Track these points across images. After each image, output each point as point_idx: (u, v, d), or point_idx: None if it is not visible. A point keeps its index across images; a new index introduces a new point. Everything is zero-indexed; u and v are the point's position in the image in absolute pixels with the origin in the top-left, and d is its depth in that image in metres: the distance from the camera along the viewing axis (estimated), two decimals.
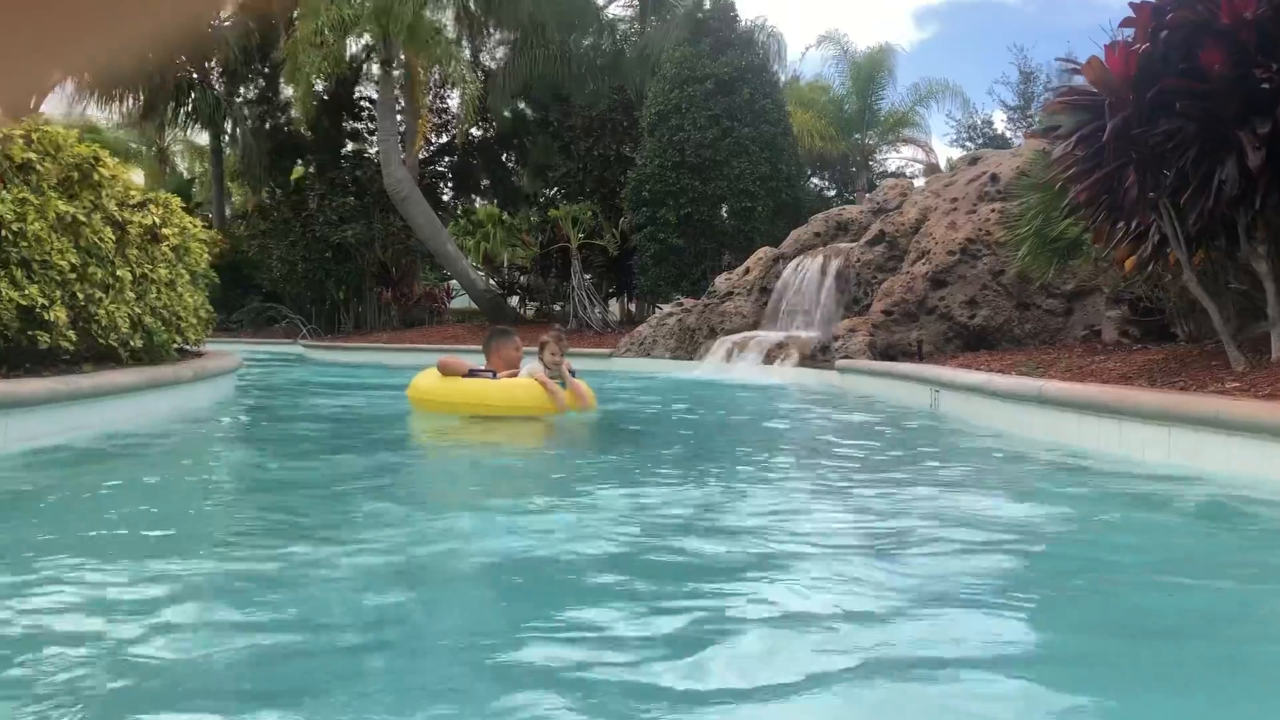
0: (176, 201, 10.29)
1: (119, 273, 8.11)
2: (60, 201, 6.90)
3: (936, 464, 6.23)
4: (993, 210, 13.30)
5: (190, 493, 4.96)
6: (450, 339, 22.74)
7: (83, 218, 7.34)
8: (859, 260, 14.83)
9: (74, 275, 7.25)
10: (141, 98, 27.99)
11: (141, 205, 8.69)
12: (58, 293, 6.96)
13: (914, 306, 13.30)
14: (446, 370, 8.01)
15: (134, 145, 44.17)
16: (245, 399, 10.38)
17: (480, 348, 8.72)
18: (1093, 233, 6.98)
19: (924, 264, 13.44)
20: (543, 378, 7.75)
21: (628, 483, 5.22)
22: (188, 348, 12.24)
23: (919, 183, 18.96)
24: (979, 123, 36.53)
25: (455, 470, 5.99)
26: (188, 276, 10.39)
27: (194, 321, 10.54)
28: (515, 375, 7.96)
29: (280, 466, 5.87)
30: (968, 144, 35.62)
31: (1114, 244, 6.55)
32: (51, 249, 6.73)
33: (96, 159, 7.58)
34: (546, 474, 5.88)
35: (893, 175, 32.46)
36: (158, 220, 8.92)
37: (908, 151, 39.87)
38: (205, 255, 11.74)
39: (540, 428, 7.62)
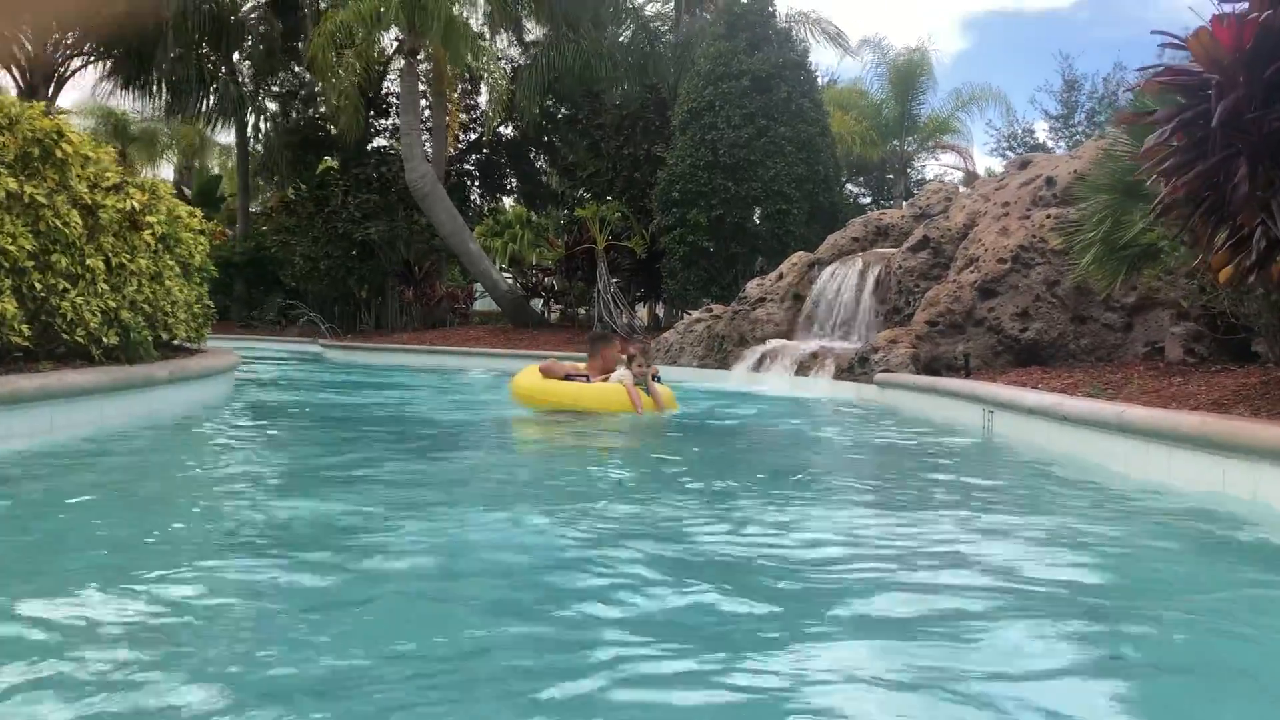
0: (165, 187, 9.55)
1: (90, 262, 7.38)
2: (10, 179, 6.14)
3: (996, 500, 5.34)
4: (1048, 216, 12.34)
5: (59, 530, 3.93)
6: (472, 341, 22.00)
7: (43, 199, 6.59)
8: (901, 267, 13.91)
9: (30, 263, 6.51)
10: (164, 86, 27.36)
11: (118, 188, 7.92)
12: (7, 282, 6.20)
13: (960, 317, 12.36)
14: (548, 374, 9.31)
15: (166, 137, 43.93)
16: (234, 404, 9.57)
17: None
18: (1188, 236, 6.03)
19: (972, 272, 12.50)
20: (629, 384, 9.08)
21: (655, 512, 4.40)
22: (186, 345, 11.56)
23: (962, 190, 18.00)
24: (1020, 132, 35.35)
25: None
26: (178, 269, 9.65)
27: (184, 317, 9.80)
28: (607, 378, 9.24)
29: (203, 503, 4.69)
30: (1008, 153, 34.49)
31: (1214, 250, 5.61)
32: None
33: (60, 134, 6.81)
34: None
35: (942, 178, 31.42)
36: (138, 205, 8.16)
37: (947, 159, 38.80)
38: (202, 246, 11.01)
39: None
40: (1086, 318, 12.15)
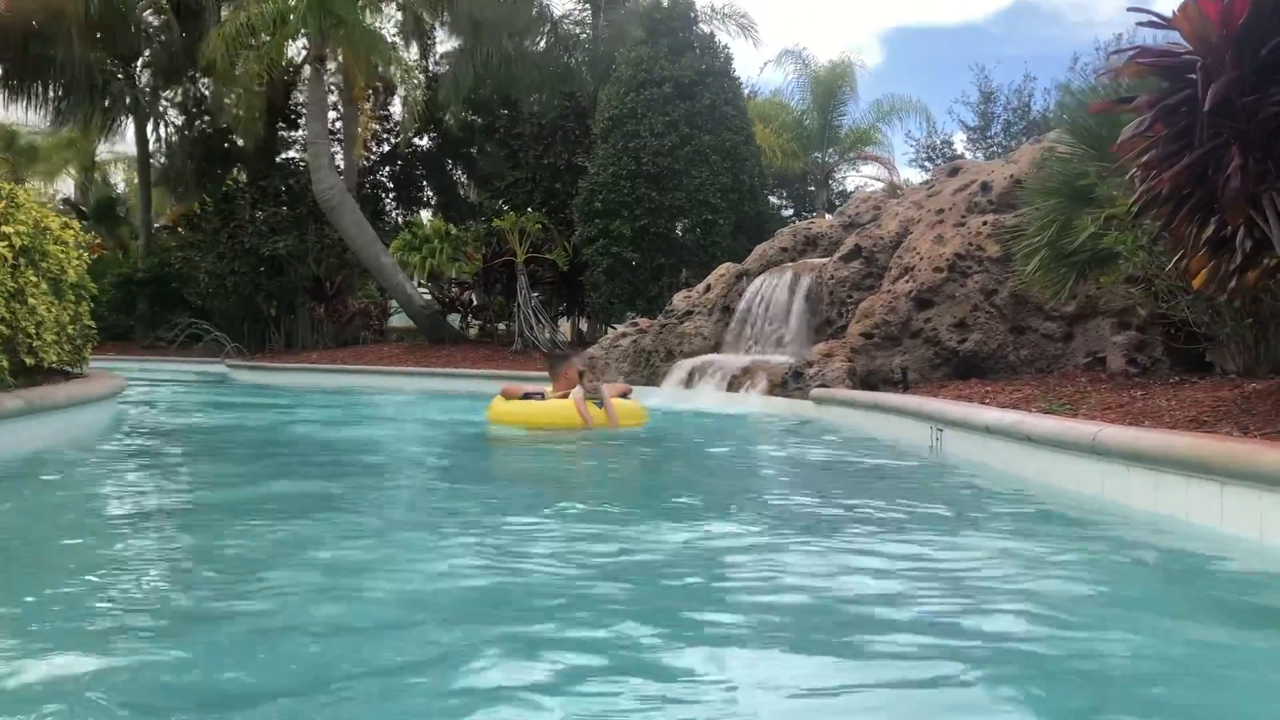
0: (24, 193, 8.55)
1: None
2: None
3: (957, 530, 4.70)
4: (984, 223, 11.90)
5: None
6: (385, 359, 21.00)
7: None
8: (833, 278, 13.38)
9: None
10: (54, 93, 25.82)
11: None
12: None
13: (897, 329, 11.84)
14: (508, 395, 10.06)
15: (62, 154, 41.96)
16: (108, 436, 8.54)
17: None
18: (1169, 237, 5.49)
19: (907, 281, 12.00)
20: (578, 399, 9.45)
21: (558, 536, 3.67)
22: (67, 369, 10.50)
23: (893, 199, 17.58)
24: (939, 143, 35.35)
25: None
26: (44, 285, 8.65)
27: (53, 339, 8.79)
28: (566, 395, 9.63)
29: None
30: (926, 164, 34.52)
31: (1196, 251, 5.06)
32: None
33: None
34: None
35: (864, 189, 31.18)
36: None
37: (869, 170, 38.71)
38: (77, 261, 9.99)
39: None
40: (1025, 328, 11.72)
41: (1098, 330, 11.35)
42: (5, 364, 7.24)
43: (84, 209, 38.83)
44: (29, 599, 3.22)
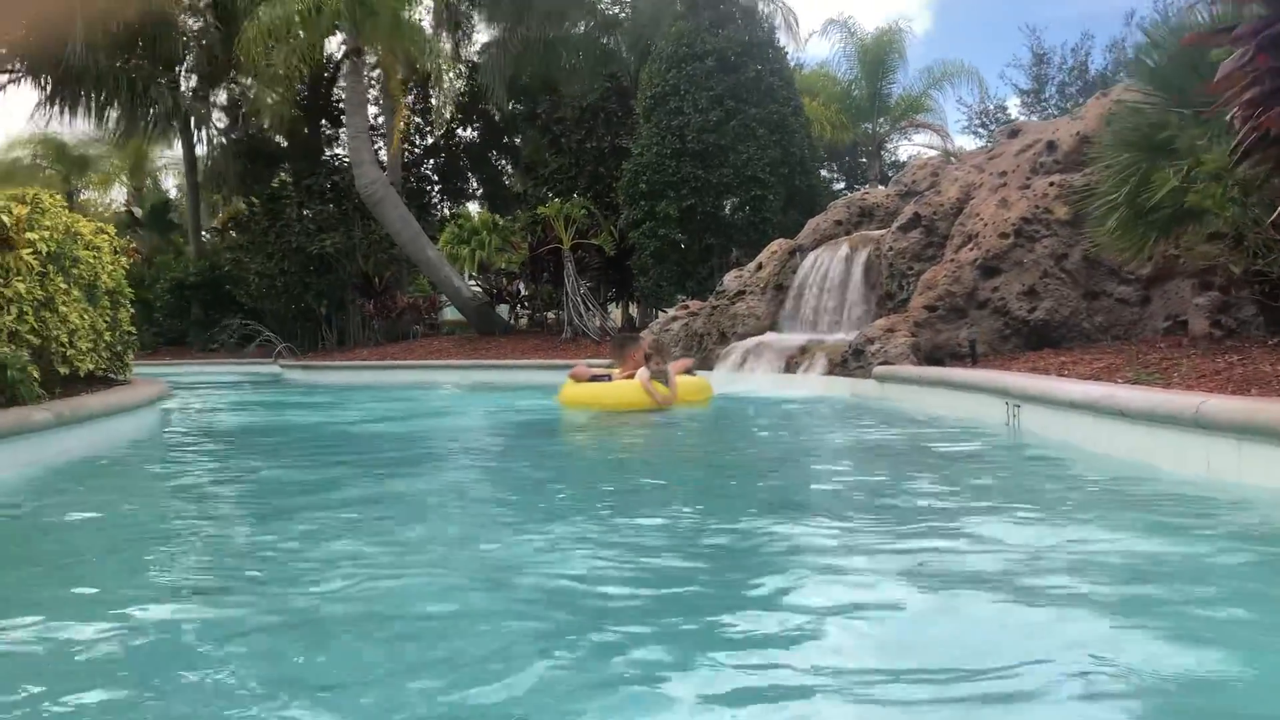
0: (53, 198, 8.29)
1: None
2: None
3: (1053, 517, 4.20)
4: (1051, 184, 11.26)
5: None
6: (436, 354, 20.74)
7: None
8: (891, 249, 12.79)
9: None
10: (96, 101, 25.86)
11: None
12: None
13: (962, 300, 11.26)
14: (576, 377, 10.46)
15: (115, 163, 42.41)
16: (140, 447, 8.22)
17: None
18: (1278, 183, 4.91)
19: (971, 249, 11.40)
20: (644, 379, 9.76)
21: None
22: (110, 376, 10.31)
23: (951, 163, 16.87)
24: (992, 108, 34.30)
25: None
26: (77, 292, 8.41)
27: (87, 347, 8.56)
28: (631, 376, 9.93)
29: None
30: (979, 131, 33.53)
31: None
32: None
33: None
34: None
35: (918, 158, 30.29)
36: (8, 221, 6.93)
37: (921, 139, 37.75)
38: (113, 267, 9.76)
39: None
40: (1099, 293, 11.08)
41: (1177, 292, 10.69)
42: (35, 374, 6.98)
43: (138, 215, 39.24)
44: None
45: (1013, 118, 33.30)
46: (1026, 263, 11.08)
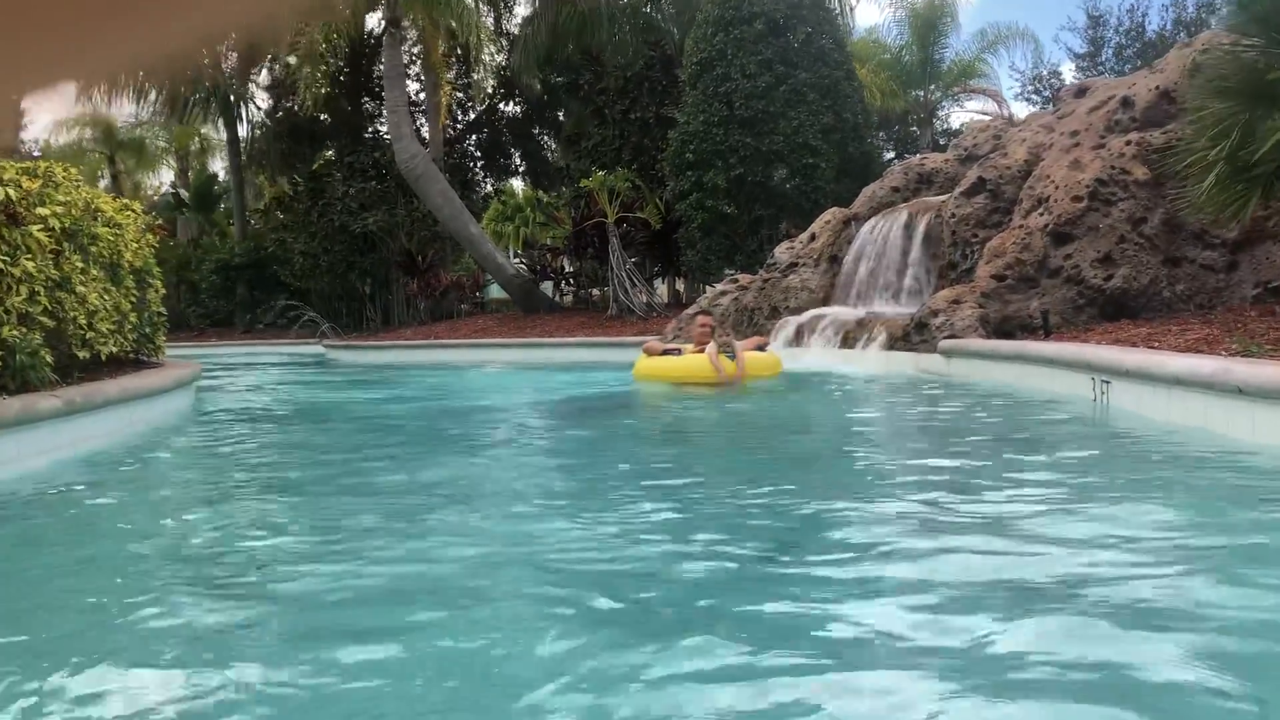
0: (67, 171, 7.87)
1: None
2: None
3: (1178, 516, 3.59)
4: (1128, 143, 10.48)
5: None
6: (479, 332, 20.31)
7: None
8: (954, 216, 12.07)
9: None
10: (137, 80, 25.68)
11: None
12: None
13: (1032, 269, 10.55)
14: (649, 352, 10.96)
15: (161, 144, 42.52)
16: (157, 441, 7.74)
17: None
18: None
19: (1042, 214, 10.68)
20: (712, 353, 9.96)
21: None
22: (143, 358, 9.96)
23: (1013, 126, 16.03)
24: (1045, 74, 33.12)
25: None
26: (97, 271, 7.99)
27: (109, 329, 8.15)
28: (702, 349, 10.23)
29: None
30: (1033, 97, 32.39)
31: None
32: None
33: None
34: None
35: (980, 118, 29.24)
36: (14, 195, 6.49)
37: (974, 105, 36.63)
38: (138, 245, 9.36)
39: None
40: (1180, 259, 10.33)
41: (1267, 256, 9.92)
42: (47, 359, 6.56)
43: (184, 197, 39.25)
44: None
45: (1066, 84, 32.11)
46: (1102, 228, 10.34)
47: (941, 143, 30.46)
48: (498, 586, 3.12)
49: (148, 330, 9.82)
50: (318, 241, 27.23)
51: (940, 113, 35.06)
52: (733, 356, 10.02)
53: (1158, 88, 10.51)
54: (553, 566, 3.29)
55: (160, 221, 11.80)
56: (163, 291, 10.50)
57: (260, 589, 3.24)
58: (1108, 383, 6.55)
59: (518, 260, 23.68)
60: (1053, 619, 2.52)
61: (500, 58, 28.54)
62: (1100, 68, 31.42)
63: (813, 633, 2.57)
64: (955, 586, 2.82)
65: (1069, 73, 32.90)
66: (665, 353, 10.78)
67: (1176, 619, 2.45)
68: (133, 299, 9.04)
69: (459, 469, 5.66)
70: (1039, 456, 5.11)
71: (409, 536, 3.80)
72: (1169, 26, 29.71)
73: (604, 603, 2.79)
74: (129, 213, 9.38)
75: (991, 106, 33.92)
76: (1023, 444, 5.71)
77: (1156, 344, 7.44)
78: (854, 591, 2.89)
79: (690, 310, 15.51)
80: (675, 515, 4.00)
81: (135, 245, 9.20)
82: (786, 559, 3.29)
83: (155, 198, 43.14)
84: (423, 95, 28.42)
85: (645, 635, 2.52)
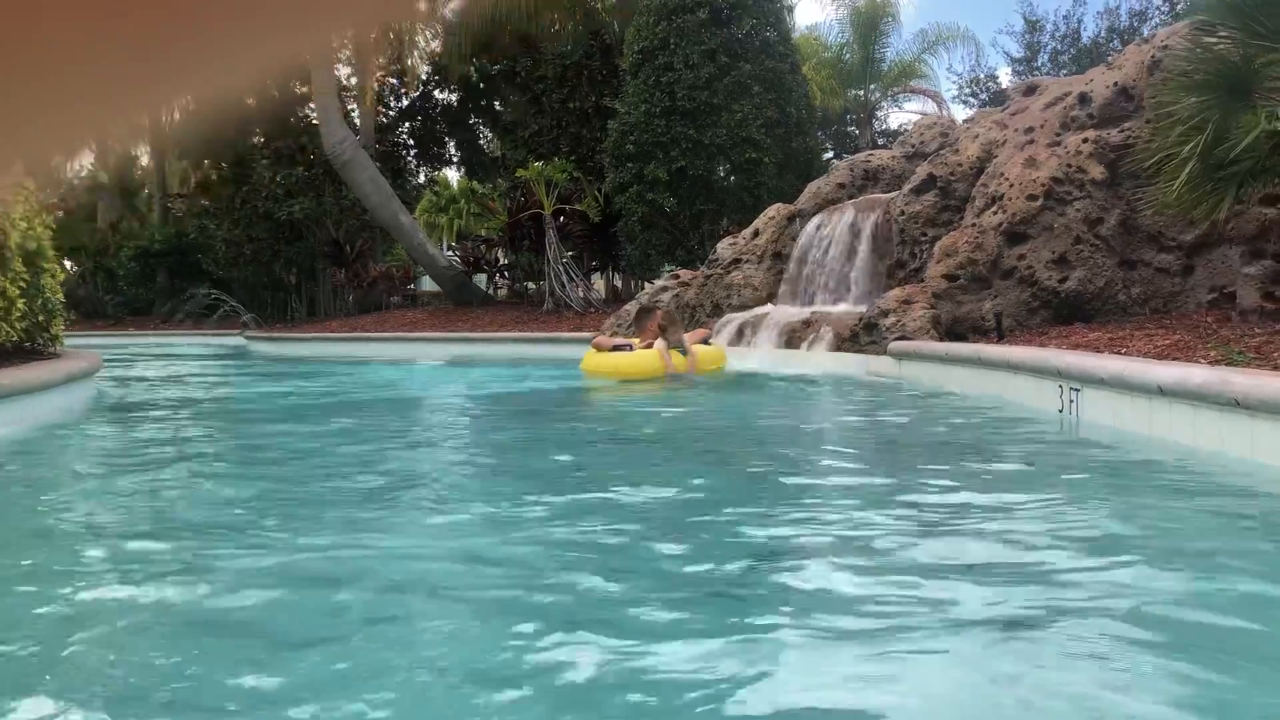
0: None
1: None
2: None
3: (1173, 554, 3.13)
4: (1085, 140, 10.15)
5: None
6: (408, 325, 19.55)
7: None
8: (903, 213, 11.68)
9: None
10: None
11: None
12: None
13: (985, 269, 10.18)
14: (598, 347, 10.85)
15: None
16: (41, 438, 6.98)
17: None
18: None
19: (995, 212, 10.31)
20: (662, 349, 10.15)
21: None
22: (41, 347, 9.15)
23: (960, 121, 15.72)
24: (983, 77, 33.20)
25: None
26: None
27: None
28: (651, 345, 10.34)
29: None
30: (971, 100, 32.44)
31: None
32: None
33: None
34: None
35: (927, 115, 29.10)
36: None
37: (913, 106, 36.61)
38: (27, 227, 8.53)
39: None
40: (1136, 261, 10.03)
41: (1224, 260, 9.64)
42: None
43: (103, 181, 37.70)
44: None
45: (1003, 87, 32.18)
46: (1057, 228, 10.00)
47: (880, 143, 30.31)
48: (407, 584, 2.99)
49: (40, 319, 9.01)
50: (241, 229, 26.22)
51: (879, 113, 34.99)
52: (685, 352, 10.21)
53: (1116, 84, 10.19)
54: (473, 564, 3.20)
55: (57, 200, 10.91)
56: (61, 276, 9.68)
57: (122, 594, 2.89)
58: (1078, 390, 6.13)
59: (451, 253, 22.93)
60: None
61: (435, 44, 27.71)
62: (1036, 72, 31.51)
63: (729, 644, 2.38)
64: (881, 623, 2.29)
65: (1005, 77, 33.04)
66: (615, 348, 10.72)
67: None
68: (22, 284, 8.25)
69: (368, 469, 5.04)
70: (1000, 472, 4.64)
71: (300, 532, 3.62)
72: (1103, 33, 30.00)
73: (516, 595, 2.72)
74: (22, 190, 8.57)
75: (931, 107, 33.86)
76: (982, 458, 5.25)
77: (1123, 350, 7.06)
78: (770, 609, 2.72)
79: (629, 306, 14.96)
80: (598, 517, 3.80)
81: (25, 226, 8.40)
82: (706, 567, 3.08)
83: (75, 181, 41.44)
84: (354, 80, 27.48)
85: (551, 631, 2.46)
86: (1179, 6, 27.63)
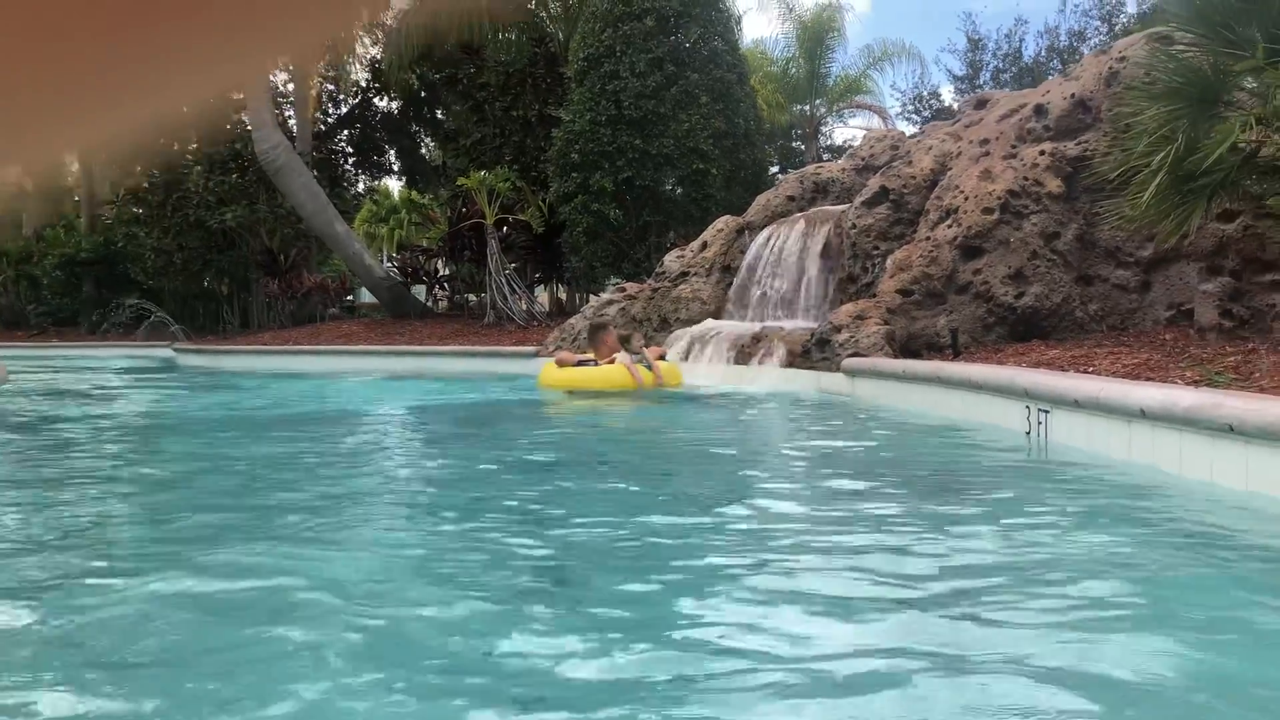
0: None
1: None
2: None
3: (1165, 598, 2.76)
4: (1041, 153, 9.92)
5: None
6: (343, 338, 18.86)
7: None
8: (855, 226, 11.36)
9: None
10: None
11: None
12: None
13: (940, 284, 9.88)
14: (563, 363, 10.78)
15: None
16: None
17: None
18: None
19: (950, 226, 10.03)
20: (628, 363, 10.19)
21: None
22: None
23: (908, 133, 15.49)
24: (926, 94, 33.34)
25: None
26: None
27: None
28: (613, 360, 10.32)
29: None
30: (914, 117, 32.57)
31: None
32: None
33: None
34: None
35: (853, 141, 29.10)
36: None
37: (857, 122, 36.62)
38: None
39: None
40: (1094, 277, 9.82)
41: (1181, 277, 9.45)
42: None
43: (27, 187, 36.38)
44: None
45: (946, 104, 32.34)
46: (1013, 242, 9.74)
47: (826, 158, 30.23)
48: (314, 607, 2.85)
49: None
50: (172, 237, 25.32)
51: (824, 128, 34.99)
52: (649, 366, 10.20)
53: (1073, 96, 9.97)
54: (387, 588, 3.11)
55: None
56: None
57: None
58: (1046, 412, 5.79)
59: (391, 264, 22.30)
60: None
61: (375, 50, 27.08)
62: (979, 89, 31.70)
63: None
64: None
65: (948, 94, 33.23)
66: (580, 363, 10.66)
67: None
68: None
69: (289, 488, 4.54)
70: (961, 501, 4.26)
71: (199, 553, 3.42)
72: (1043, 53, 30.29)
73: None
74: None
75: (876, 123, 33.90)
76: (942, 483, 4.86)
77: (1089, 369, 6.76)
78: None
79: (574, 320, 14.49)
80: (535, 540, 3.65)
81: None
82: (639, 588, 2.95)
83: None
84: (291, 85, 26.76)
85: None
86: (1117, 27, 27.97)
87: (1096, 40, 29.05)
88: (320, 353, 17.62)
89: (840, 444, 6.51)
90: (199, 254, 25.13)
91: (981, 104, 12.73)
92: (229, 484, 5.18)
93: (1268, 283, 8.21)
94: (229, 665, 2.43)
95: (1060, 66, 27.29)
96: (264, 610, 2.84)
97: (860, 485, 4.94)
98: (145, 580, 3.15)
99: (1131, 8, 29.62)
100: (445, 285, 21.48)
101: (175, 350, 21.57)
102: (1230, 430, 4.05)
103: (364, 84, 27.94)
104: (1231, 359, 5.82)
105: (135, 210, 28.51)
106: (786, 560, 3.35)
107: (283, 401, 10.76)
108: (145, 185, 27.77)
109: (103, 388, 13.38)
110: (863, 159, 14.06)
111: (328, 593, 2.98)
